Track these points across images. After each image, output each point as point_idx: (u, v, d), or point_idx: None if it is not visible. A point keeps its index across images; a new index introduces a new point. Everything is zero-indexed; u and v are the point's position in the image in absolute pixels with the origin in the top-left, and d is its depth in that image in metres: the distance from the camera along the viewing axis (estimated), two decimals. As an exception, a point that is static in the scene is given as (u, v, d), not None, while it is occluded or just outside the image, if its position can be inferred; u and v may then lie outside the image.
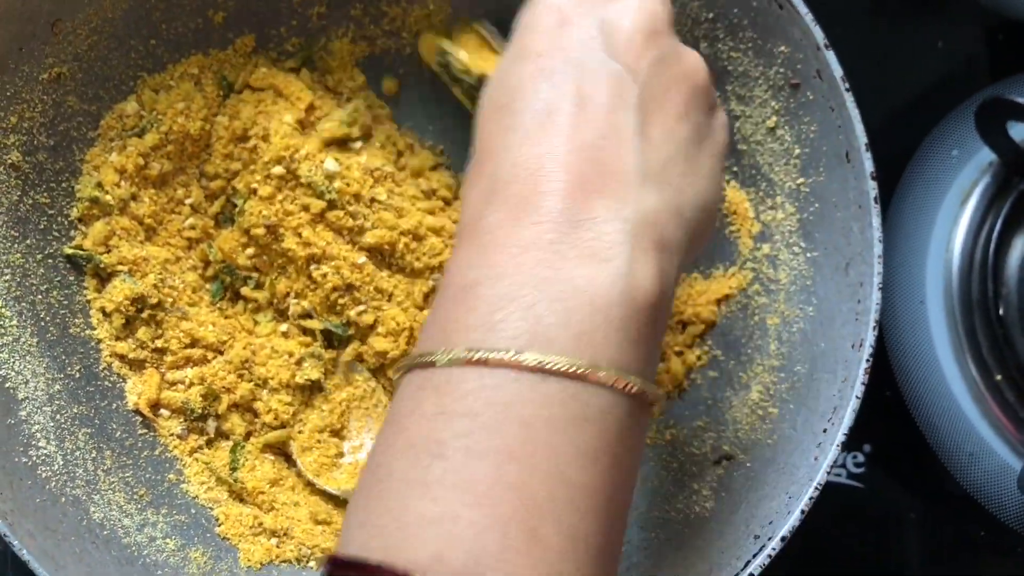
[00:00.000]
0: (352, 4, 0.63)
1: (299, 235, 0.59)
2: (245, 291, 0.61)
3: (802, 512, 0.51)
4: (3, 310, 0.54)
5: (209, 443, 0.60)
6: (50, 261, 0.57)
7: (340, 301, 0.60)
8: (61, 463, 0.53)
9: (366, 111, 0.63)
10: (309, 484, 0.60)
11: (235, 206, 0.61)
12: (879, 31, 0.74)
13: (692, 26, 0.60)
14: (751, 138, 0.61)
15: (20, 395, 0.53)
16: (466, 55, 0.61)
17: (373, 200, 0.60)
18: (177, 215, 0.61)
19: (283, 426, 0.60)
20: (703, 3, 0.59)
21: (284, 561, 0.57)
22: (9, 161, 0.55)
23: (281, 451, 0.60)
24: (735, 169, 0.62)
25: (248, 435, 0.60)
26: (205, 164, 0.61)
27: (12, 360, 0.54)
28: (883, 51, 0.74)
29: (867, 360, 0.52)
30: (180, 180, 0.61)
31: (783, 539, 0.51)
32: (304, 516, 0.58)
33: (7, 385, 0.53)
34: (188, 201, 0.61)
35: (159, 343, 0.59)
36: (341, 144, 0.61)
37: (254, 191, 0.59)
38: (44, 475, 0.52)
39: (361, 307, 0.60)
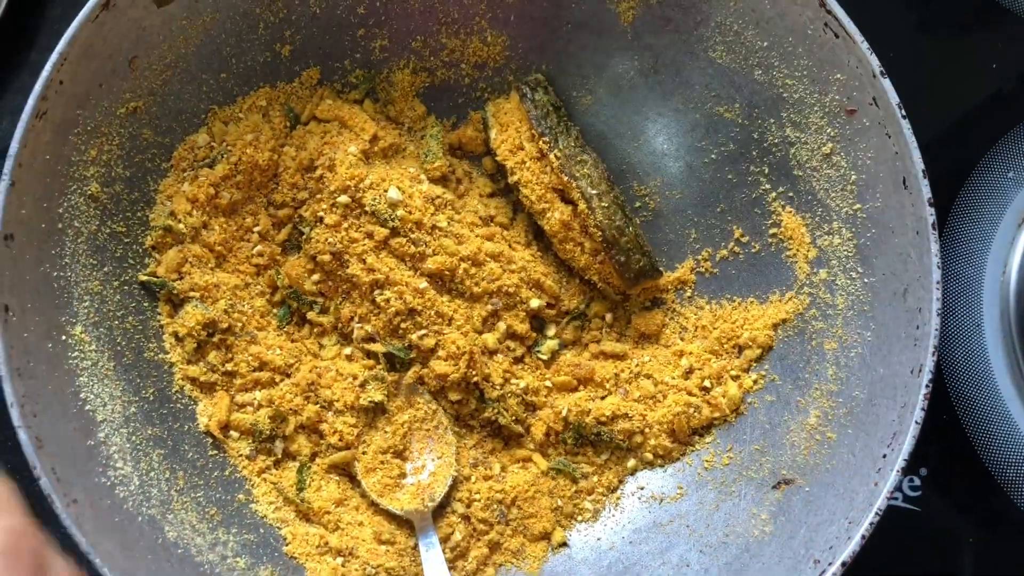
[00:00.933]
0: (413, 37, 0.65)
1: (363, 261, 0.60)
2: (311, 315, 0.63)
3: (863, 537, 0.51)
4: (83, 335, 0.56)
5: (276, 464, 0.61)
6: (126, 288, 0.60)
7: (402, 325, 0.61)
8: (137, 483, 0.55)
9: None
10: (373, 504, 0.61)
11: (301, 234, 0.63)
12: (931, 52, 0.74)
13: (747, 54, 0.61)
14: (807, 164, 0.61)
15: (99, 417, 0.56)
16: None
17: (434, 227, 0.62)
18: (246, 242, 0.63)
19: (348, 447, 0.61)
20: (758, 32, 0.60)
21: (349, 580, 0.58)
22: (88, 192, 0.57)
23: (346, 471, 0.62)
24: (791, 195, 0.63)
25: (314, 456, 0.62)
26: (273, 193, 0.63)
27: (91, 383, 0.56)
28: (935, 72, 0.74)
29: (926, 386, 0.53)
30: (249, 209, 0.63)
31: (843, 564, 0.51)
32: (368, 536, 0.60)
33: (87, 408, 0.55)
34: (256, 229, 0.63)
35: (229, 366, 0.61)
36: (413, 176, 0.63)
37: (320, 219, 0.61)
38: (122, 495, 0.54)
39: (422, 331, 0.61)
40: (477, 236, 0.63)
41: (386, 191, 0.60)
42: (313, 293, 0.63)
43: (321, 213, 0.61)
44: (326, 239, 0.61)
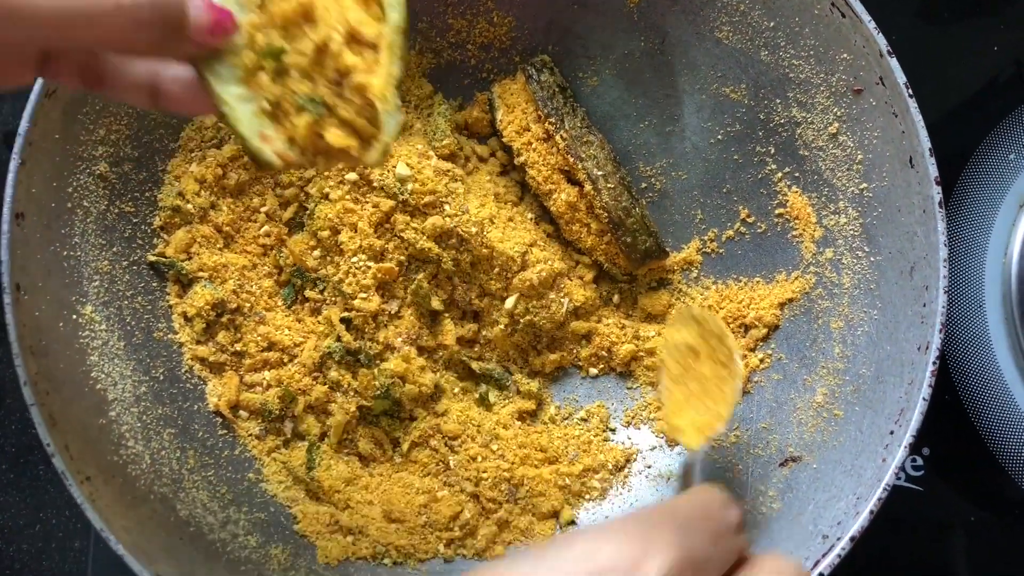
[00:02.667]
0: (419, 18, 0.65)
1: (354, 229, 0.60)
2: (309, 294, 0.63)
3: (871, 513, 0.52)
4: (93, 315, 0.56)
5: (286, 443, 0.61)
6: (135, 268, 0.60)
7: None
8: (149, 462, 0.56)
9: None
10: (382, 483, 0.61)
11: (307, 210, 0.63)
12: (932, 35, 0.75)
13: (753, 34, 0.61)
14: (813, 144, 0.61)
15: (110, 396, 0.56)
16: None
17: (450, 193, 0.61)
18: (253, 223, 0.63)
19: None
20: (764, 11, 0.60)
21: (360, 558, 0.59)
22: (98, 172, 0.57)
23: (355, 451, 0.62)
24: (797, 175, 0.63)
25: (323, 436, 0.62)
26: (280, 173, 0.63)
27: (102, 363, 0.56)
28: (937, 55, 0.74)
29: (933, 363, 0.53)
30: (256, 189, 0.63)
31: (852, 539, 0.52)
32: (378, 514, 0.60)
33: (98, 387, 0.55)
34: (263, 209, 0.63)
35: (238, 347, 0.61)
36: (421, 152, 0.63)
37: (326, 195, 0.61)
38: (134, 473, 0.54)
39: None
40: (485, 207, 0.64)
41: (394, 167, 0.60)
42: (315, 270, 0.63)
43: (327, 190, 0.61)
44: (326, 215, 0.61)
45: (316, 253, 0.62)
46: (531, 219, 0.67)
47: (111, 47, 0.40)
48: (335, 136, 0.41)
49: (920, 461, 0.70)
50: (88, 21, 0.35)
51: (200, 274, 0.61)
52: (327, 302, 0.62)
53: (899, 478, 0.70)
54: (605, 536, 0.35)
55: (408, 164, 0.61)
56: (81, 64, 0.42)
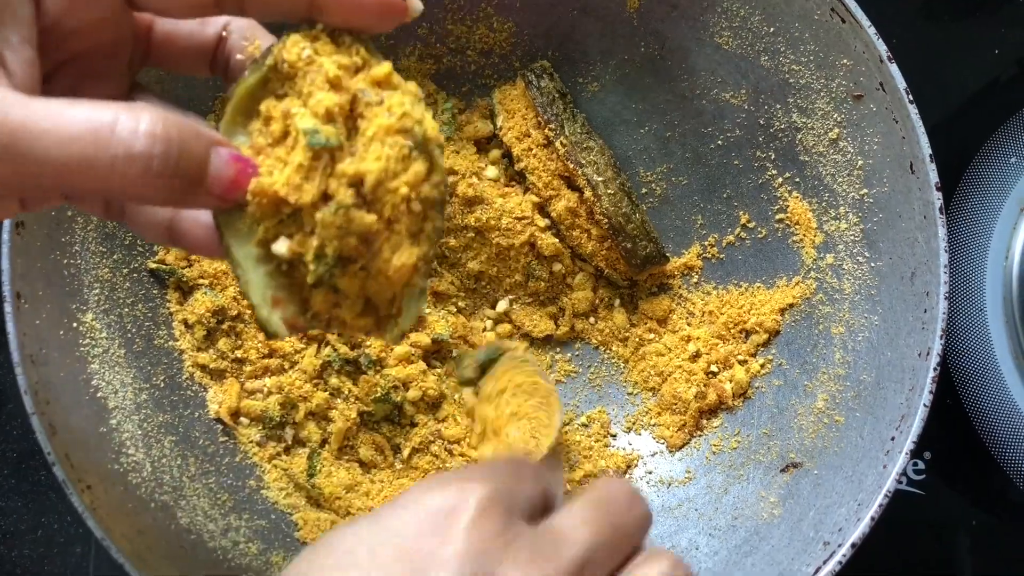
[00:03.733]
0: (419, 23, 0.65)
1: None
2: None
3: (872, 519, 0.52)
4: (94, 322, 0.56)
5: (287, 450, 0.61)
6: (135, 275, 0.60)
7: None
8: (150, 469, 0.56)
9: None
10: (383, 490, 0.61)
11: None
12: (933, 37, 0.75)
13: (753, 39, 0.61)
14: (813, 149, 0.61)
15: (111, 404, 0.56)
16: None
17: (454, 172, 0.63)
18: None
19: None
20: (764, 17, 0.60)
21: (361, 565, 0.59)
22: (98, 180, 0.57)
23: (355, 458, 0.62)
24: (797, 180, 0.63)
25: (323, 443, 0.62)
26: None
27: (103, 371, 0.56)
28: (938, 57, 0.74)
29: (934, 369, 0.53)
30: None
31: (853, 546, 0.52)
32: (379, 521, 0.60)
33: (99, 395, 0.55)
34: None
35: (238, 353, 0.61)
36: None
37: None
38: (135, 481, 0.54)
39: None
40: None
41: None
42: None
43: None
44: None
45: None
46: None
47: (123, 198, 0.37)
48: (350, 314, 0.37)
49: (922, 465, 0.70)
50: (94, 171, 0.32)
51: (200, 281, 0.61)
52: None
53: (901, 482, 0.70)
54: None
55: None
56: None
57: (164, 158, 0.32)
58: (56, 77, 0.37)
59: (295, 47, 0.35)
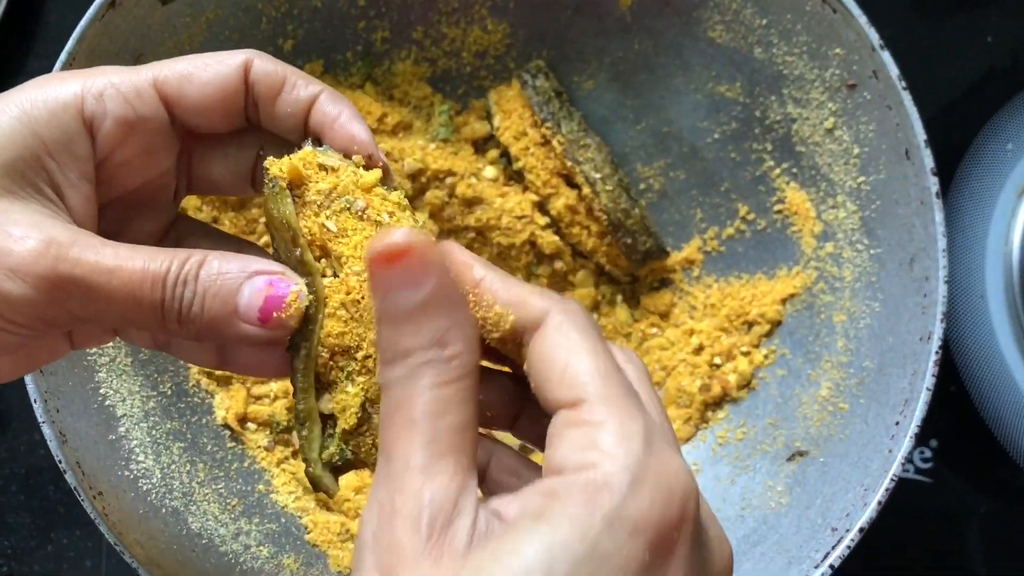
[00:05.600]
0: (414, 27, 0.66)
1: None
2: None
3: (879, 504, 0.52)
4: (100, 332, 0.57)
5: (295, 454, 0.62)
6: (140, 284, 0.60)
7: None
8: (159, 476, 0.56)
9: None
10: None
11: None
12: (926, 28, 0.75)
13: (746, 32, 0.62)
14: (809, 140, 0.62)
15: (119, 412, 0.56)
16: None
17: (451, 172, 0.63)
18: (255, 236, 0.64)
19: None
20: (756, 9, 0.61)
21: (372, 566, 0.59)
22: (100, 190, 0.58)
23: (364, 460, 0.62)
24: (795, 171, 0.63)
25: (331, 445, 0.62)
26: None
27: (110, 379, 0.56)
28: (931, 48, 0.75)
29: (936, 352, 0.53)
30: (256, 201, 0.64)
31: (861, 531, 0.52)
32: (388, 522, 0.60)
33: (107, 403, 0.56)
34: (263, 221, 0.64)
35: (244, 359, 0.62)
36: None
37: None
38: (145, 487, 0.55)
39: None
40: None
41: (402, 167, 0.61)
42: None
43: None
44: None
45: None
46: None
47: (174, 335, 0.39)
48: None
49: (929, 453, 0.70)
50: (146, 313, 0.34)
51: (204, 288, 0.61)
52: None
53: (908, 471, 0.70)
54: None
55: (414, 158, 0.61)
56: None
57: (193, 301, 0.34)
58: (106, 211, 0.39)
59: (274, 166, 0.37)
